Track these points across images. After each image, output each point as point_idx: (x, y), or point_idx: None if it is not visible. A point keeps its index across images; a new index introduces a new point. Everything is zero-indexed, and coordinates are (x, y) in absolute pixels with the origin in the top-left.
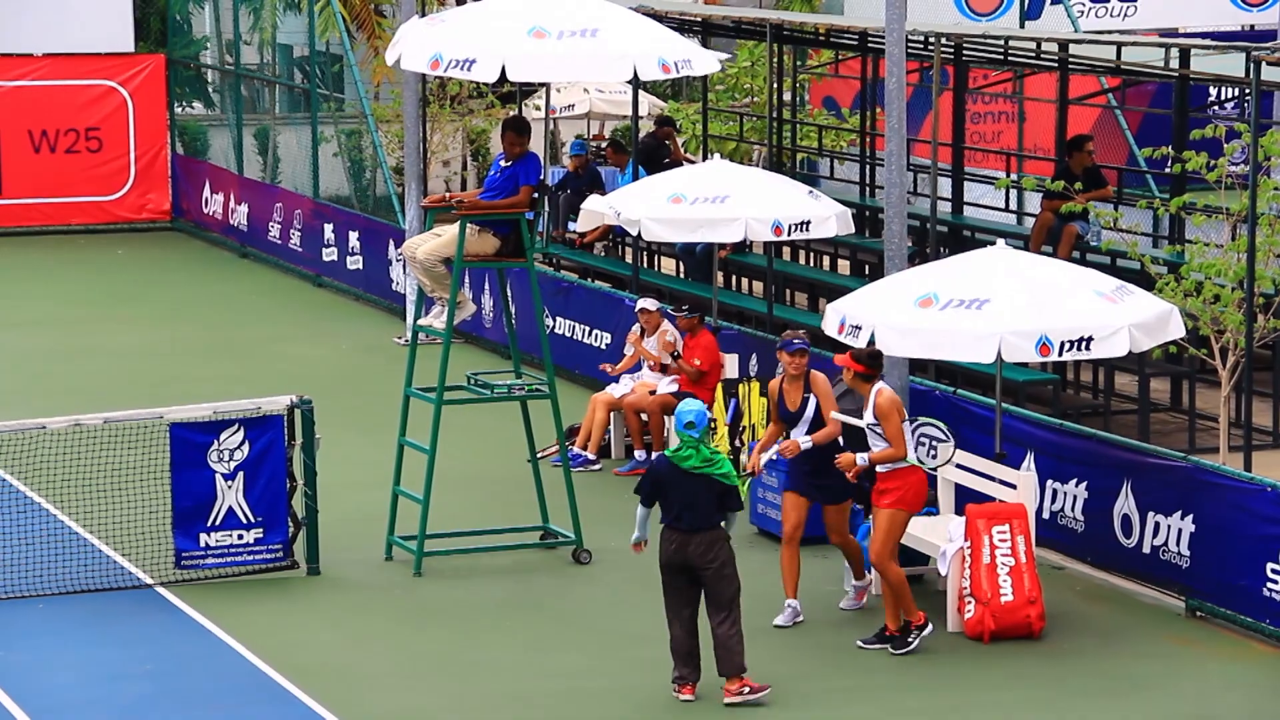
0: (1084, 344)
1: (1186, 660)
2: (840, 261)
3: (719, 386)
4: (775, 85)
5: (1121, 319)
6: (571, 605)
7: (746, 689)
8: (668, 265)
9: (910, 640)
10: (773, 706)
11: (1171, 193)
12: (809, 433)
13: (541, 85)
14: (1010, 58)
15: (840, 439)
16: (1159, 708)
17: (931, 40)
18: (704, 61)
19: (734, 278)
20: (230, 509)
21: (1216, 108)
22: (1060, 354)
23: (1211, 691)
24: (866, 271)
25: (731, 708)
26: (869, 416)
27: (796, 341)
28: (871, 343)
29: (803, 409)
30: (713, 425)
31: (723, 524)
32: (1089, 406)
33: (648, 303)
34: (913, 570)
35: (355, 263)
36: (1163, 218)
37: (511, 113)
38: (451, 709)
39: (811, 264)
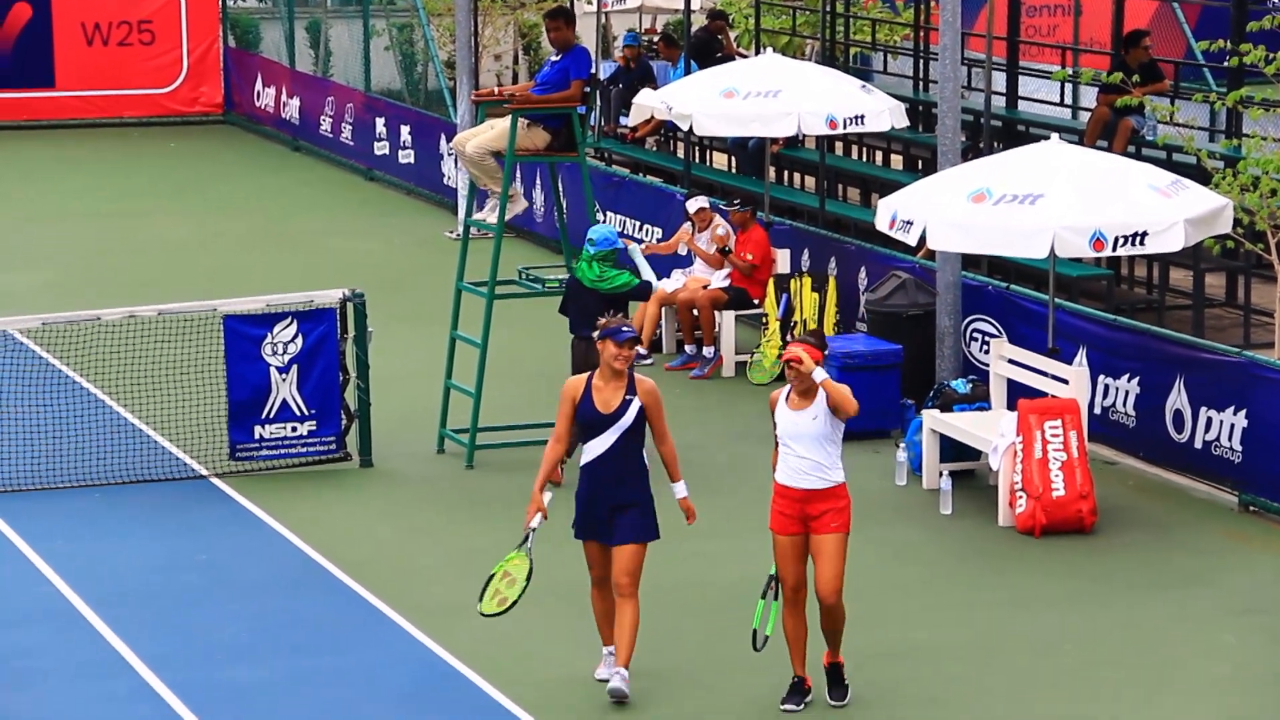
0: (1138, 239)
1: (1238, 555)
2: (893, 156)
3: (771, 282)
4: None
5: (1176, 214)
6: None
7: None
8: (720, 160)
9: (846, 681)
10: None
11: (1229, 86)
12: (618, 443)
13: None
14: None
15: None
16: (1211, 602)
17: None
18: None
19: (786, 173)
20: (284, 401)
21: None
22: (1114, 249)
23: (1263, 586)
24: (919, 167)
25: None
26: (816, 413)
27: (626, 330)
28: (923, 239)
29: (620, 413)
30: (764, 321)
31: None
32: (1143, 301)
33: (697, 201)
34: (963, 466)
35: (407, 157)
36: (1219, 111)
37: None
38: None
39: (864, 159)
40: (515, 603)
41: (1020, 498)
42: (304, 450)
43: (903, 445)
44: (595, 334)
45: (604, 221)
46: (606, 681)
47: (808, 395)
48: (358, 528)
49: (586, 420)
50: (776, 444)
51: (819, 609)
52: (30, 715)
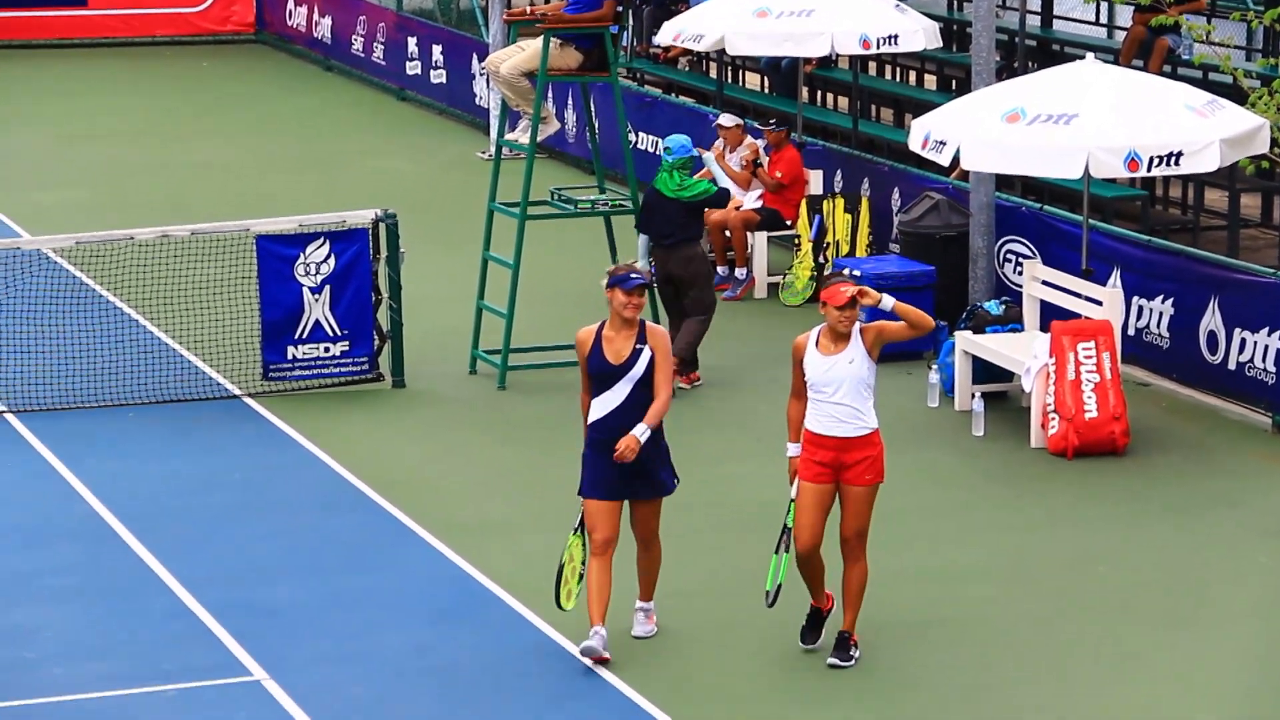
0: (1173, 159)
1: (1272, 476)
2: (927, 76)
3: (803, 203)
4: None
5: (1212, 134)
6: None
7: (696, 381)
8: (752, 81)
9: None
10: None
11: (1266, 4)
12: (631, 396)
13: None
14: None
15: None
16: (1243, 523)
17: None
18: None
19: (819, 93)
20: (317, 322)
21: None
22: (1149, 169)
23: None
24: (953, 86)
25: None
26: (854, 355)
27: (635, 277)
28: (956, 160)
29: (631, 363)
30: (796, 242)
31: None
32: (1178, 222)
33: (728, 118)
34: (995, 387)
35: (439, 77)
36: (1256, 30)
37: None
38: (533, 521)
39: (898, 79)
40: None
41: (1053, 419)
42: (337, 370)
43: (935, 367)
44: (604, 281)
45: (636, 143)
46: (594, 653)
47: (842, 338)
48: (390, 448)
49: (597, 372)
50: (794, 394)
51: (842, 551)
52: (65, 632)
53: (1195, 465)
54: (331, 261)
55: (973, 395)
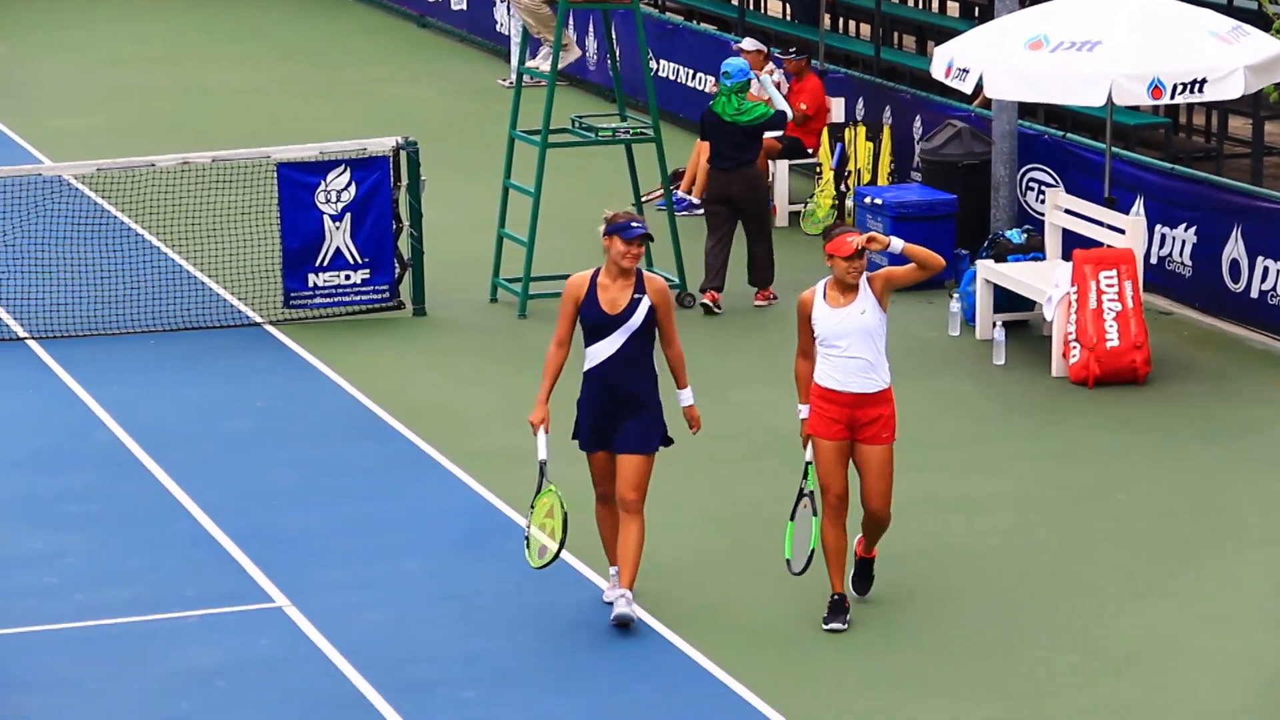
0: (1197, 86)
1: None
2: (949, 3)
3: (825, 131)
4: None
5: (1236, 60)
6: None
7: (772, 297)
8: (774, 7)
9: (873, 574)
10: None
11: None
12: (626, 346)
13: None
14: None
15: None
16: (1264, 452)
17: None
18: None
19: (841, 20)
20: (337, 250)
21: None
22: (1172, 96)
23: None
24: (976, 14)
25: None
26: (865, 306)
27: (635, 225)
28: (979, 88)
29: (628, 313)
30: (818, 170)
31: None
32: (1201, 150)
33: (749, 42)
34: (1017, 316)
35: (459, 3)
36: None
37: None
38: (554, 449)
39: (920, 5)
40: (563, 540)
41: (1074, 348)
42: (357, 298)
43: (956, 295)
44: (601, 229)
45: (657, 71)
46: (626, 620)
47: (851, 289)
48: (410, 376)
49: (591, 321)
50: (801, 353)
51: (864, 518)
52: (86, 557)
53: (1216, 394)
54: (352, 189)
55: (994, 324)
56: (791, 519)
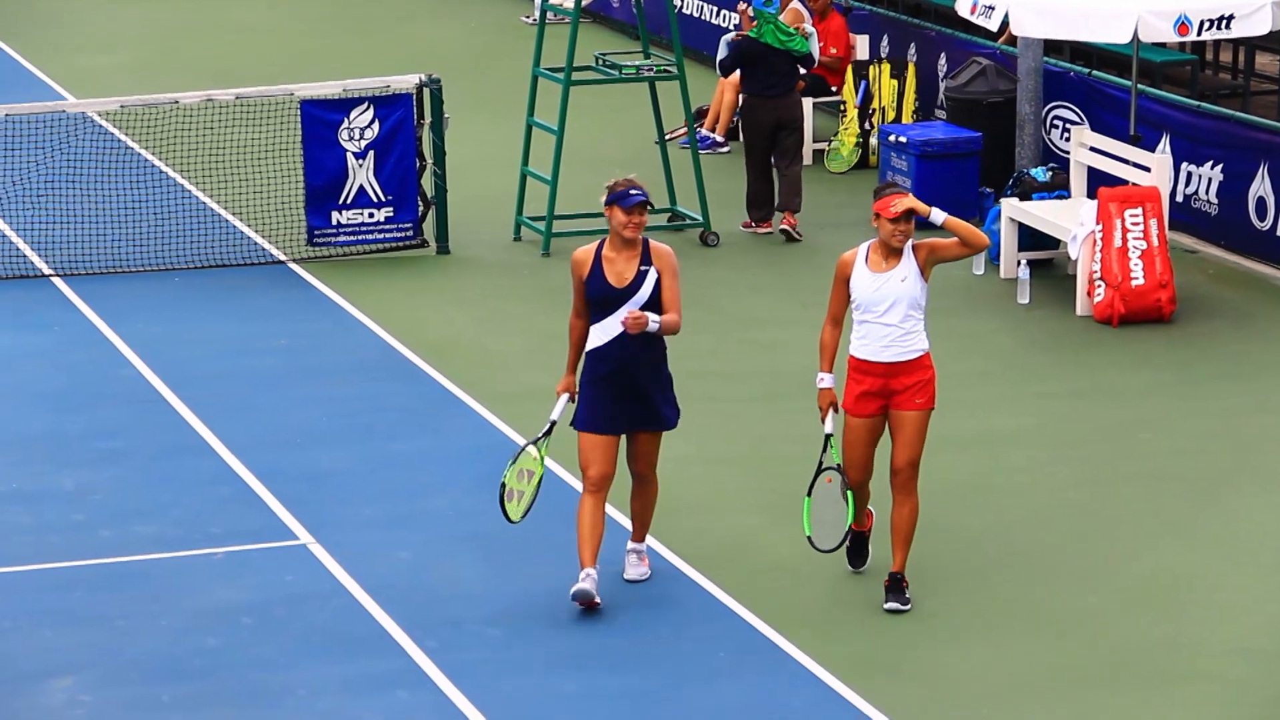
0: (1224, 22)
1: None
2: None
3: (849, 69)
4: None
5: None
6: (697, 288)
7: (797, 228)
8: None
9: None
10: None
11: None
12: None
13: None
14: None
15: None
16: None
17: None
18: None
19: None
20: (361, 187)
21: None
22: (1199, 33)
23: None
24: None
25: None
26: (906, 273)
27: (635, 193)
28: (1004, 24)
29: (636, 286)
30: (842, 108)
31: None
32: (1227, 87)
33: None
34: (1041, 255)
35: None
36: None
37: None
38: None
39: None
40: (533, 499)
41: (1099, 287)
42: (381, 236)
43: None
44: (602, 198)
45: (681, 8)
46: (587, 598)
47: (894, 254)
48: (434, 314)
49: (598, 296)
50: (830, 319)
51: (892, 484)
52: (113, 495)
53: (1241, 332)
54: (375, 126)
55: (1018, 262)
56: (808, 494)
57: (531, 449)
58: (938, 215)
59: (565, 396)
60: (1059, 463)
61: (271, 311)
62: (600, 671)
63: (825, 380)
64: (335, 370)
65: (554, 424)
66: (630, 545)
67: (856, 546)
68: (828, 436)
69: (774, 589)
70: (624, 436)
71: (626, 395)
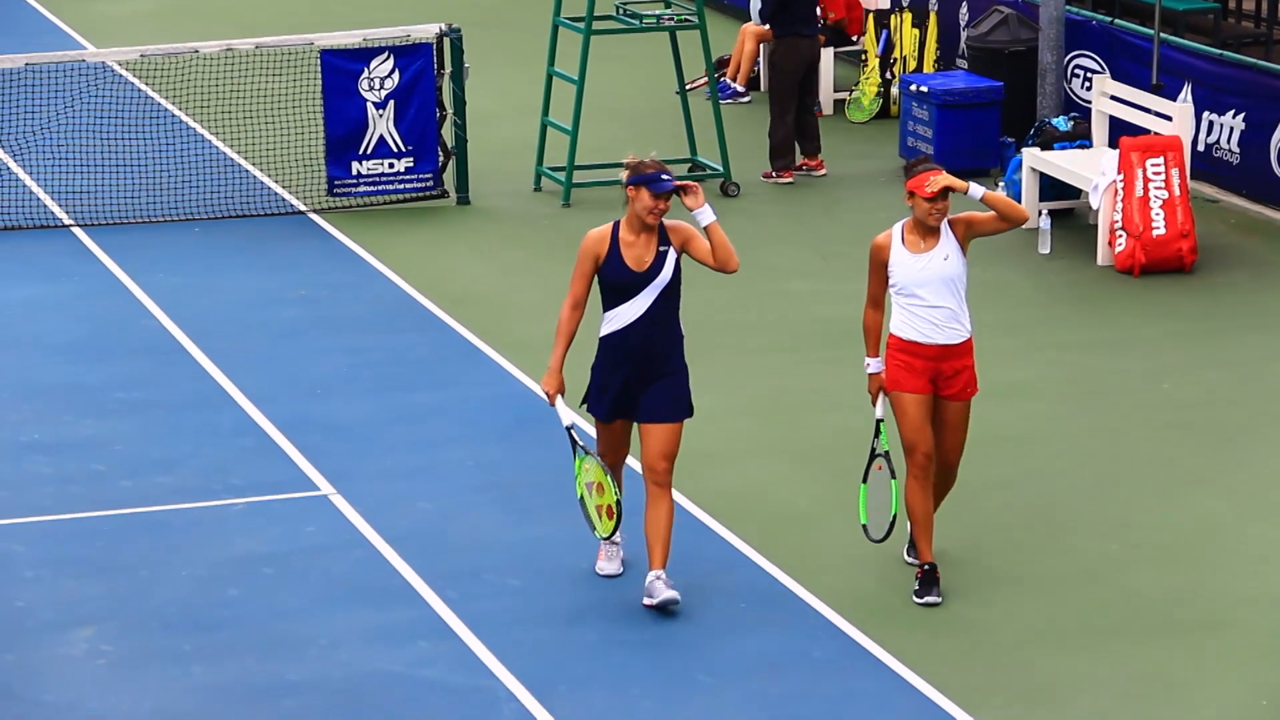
0: None
1: None
2: None
3: (870, 17)
4: None
5: None
6: None
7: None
8: None
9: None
10: None
11: None
12: (654, 306)
13: None
14: None
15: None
16: None
17: None
18: None
19: None
20: (381, 137)
21: None
22: None
23: None
24: None
25: None
26: (948, 251)
27: (666, 178)
28: None
29: (656, 269)
30: (863, 58)
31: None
32: (1250, 35)
33: None
34: (1063, 204)
35: None
36: None
37: None
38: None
39: None
40: (619, 502)
41: (1120, 236)
42: (401, 186)
43: (1002, 183)
44: (623, 175)
45: None
46: (612, 575)
47: (932, 233)
48: (455, 264)
49: (616, 282)
50: (871, 303)
51: (935, 475)
52: (134, 445)
53: (1263, 282)
54: (396, 76)
55: (1039, 212)
56: (864, 481)
57: (589, 462)
58: (975, 190)
59: (561, 401)
60: (1080, 413)
61: (292, 262)
62: (620, 622)
63: (872, 365)
64: (356, 321)
65: (571, 429)
66: (655, 573)
67: (930, 579)
68: (878, 422)
69: (794, 541)
70: (631, 436)
71: (649, 379)
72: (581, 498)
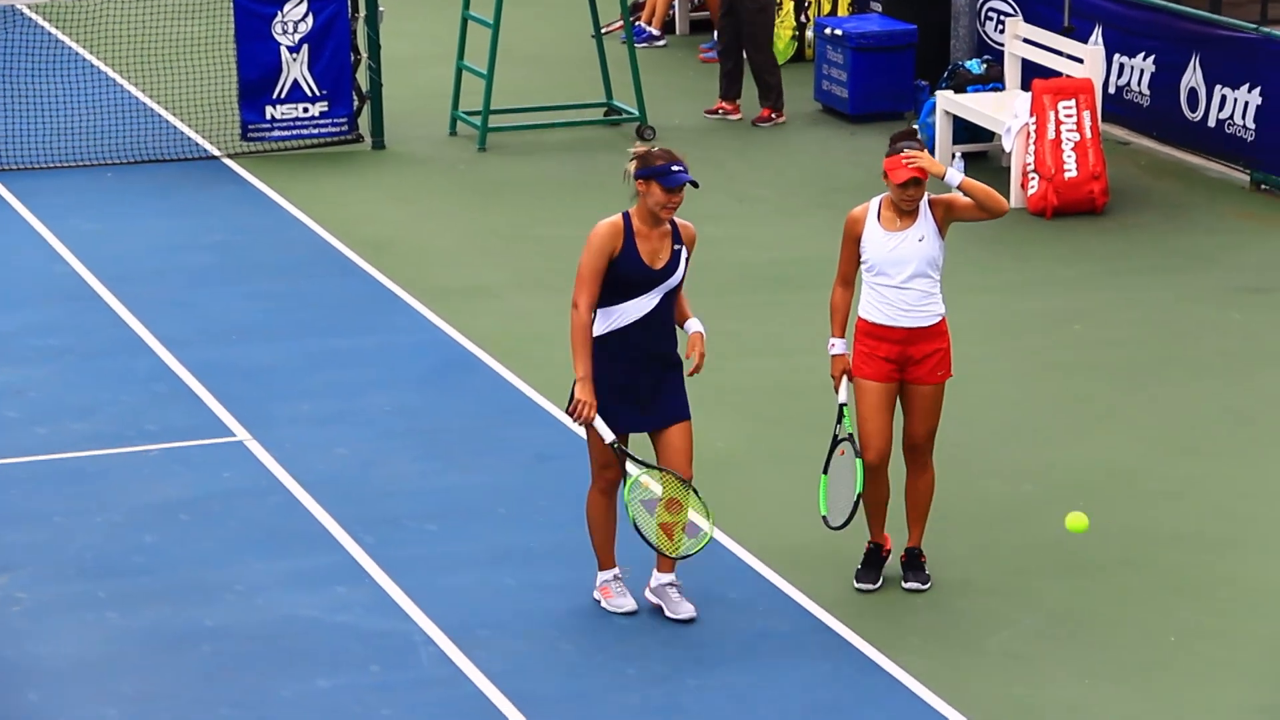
0: None
1: (1249, 234)
2: None
3: None
4: None
5: None
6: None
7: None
8: None
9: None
10: None
11: None
12: (660, 304)
13: None
14: None
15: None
16: (1220, 281)
17: None
18: None
19: None
20: (295, 81)
21: None
22: None
23: (1273, 264)
24: None
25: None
26: (923, 232)
27: (679, 170)
28: None
29: (670, 269)
30: (778, 1)
31: None
32: None
33: None
34: (976, 147)
35: None
36: None
37: None
38: (515, 284)
39: None
40: (703, 503)
41: (1032, 179)
42: (316, 131)
43: (916, 127)
44: (631, 165)
45: None
46: (630, 611)
47: (911, 213)
48: (371, 210)
49: (631, 277)
50: (841, 280)
51: (906, 458)
52: (48, 392)
53: (1173, 223)
54: (309, 20)
55: (953, 155)
56: (824, 471)
57: (644, 479)
58: (954, 175)
59: (599, 419)
60: (992, 356)
61: (206, 207)
62: (539, 566)
63: (837, 346)
64: (271, 266)
65: (616, 444)
66: (666, 579)
67: (872, 561)
68: (842, 406)
69: (710, 485)
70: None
71: (657, 381)
72: (635, 520)
